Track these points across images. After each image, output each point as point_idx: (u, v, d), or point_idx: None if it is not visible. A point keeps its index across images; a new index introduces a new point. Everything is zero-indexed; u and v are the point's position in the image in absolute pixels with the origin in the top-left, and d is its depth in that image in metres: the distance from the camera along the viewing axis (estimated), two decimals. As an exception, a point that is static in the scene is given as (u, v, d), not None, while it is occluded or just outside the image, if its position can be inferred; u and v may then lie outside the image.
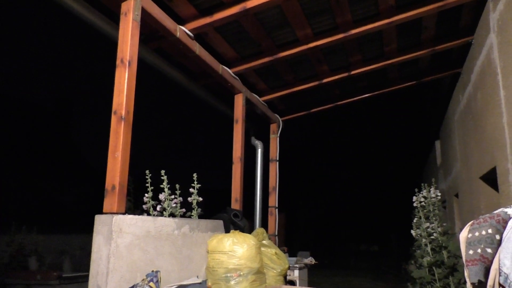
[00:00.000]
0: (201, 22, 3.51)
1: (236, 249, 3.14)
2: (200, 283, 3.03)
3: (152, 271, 2.65)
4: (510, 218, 1.59)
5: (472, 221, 1.72)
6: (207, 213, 3.57)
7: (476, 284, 1.58)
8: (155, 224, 2.77)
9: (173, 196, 3.19)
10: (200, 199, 3.50)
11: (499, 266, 1.54)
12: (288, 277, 4.50)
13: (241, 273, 3.10)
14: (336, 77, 5.07)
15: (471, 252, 1.62)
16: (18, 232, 6.82)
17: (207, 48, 3.95)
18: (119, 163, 2.55)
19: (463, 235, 1.71)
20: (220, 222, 3.69)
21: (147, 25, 3.10)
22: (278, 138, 6.08)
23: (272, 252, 3.74)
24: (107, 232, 2.43)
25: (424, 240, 4.49)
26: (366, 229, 29.00)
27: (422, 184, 4.71)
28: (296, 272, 4.80)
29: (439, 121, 7.58)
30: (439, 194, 4.65)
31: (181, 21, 3.51)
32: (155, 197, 3.12)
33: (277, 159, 6.01)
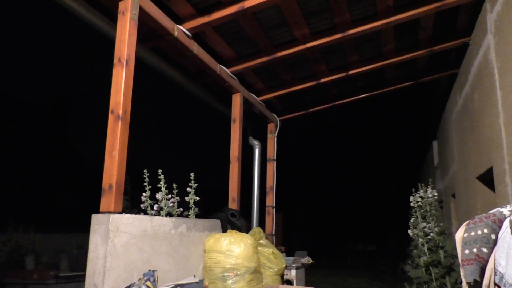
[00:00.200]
0: (199, 22, 3.51)
1: (233, 248, 3.14)
2: (197, 283, 3.03)
3: (149, 270, 2.65)
4: (505, 218, 1.59)
5: (468, 221, 1.73)
6: (204, 212, 3.57)
7: (472, 283, 1.59)
8: (152, 223, 2.77)
9: (170, 196, 3.19)
10: (197, 198, 3.50)
11: (494, 265, 1.54)
12: (285, 277, 4.50)
13: (238, 272, 3.10)
14: (334, 77, 5.08)
15: (466, 251, 1.63)
16: (15, 231, 6.81)
17: (205, 47, 3.94)
18: (116, 162, 2.55)
19: (459, 234, 1.71)
20: (217, 222, 3.69)
21: (145, 24, 3.09)
22: (275, 138, 6.08)
23: (269, 251, 3.74)
24: (104, 231, 2.43)
25: (421, 240, 4.50)
26: (364, 229, 29.06)
27: (419, 184, 4.72)
28: (293, 272, 4.80)
29: (436, 121, 7.60)
30: (436, 194, 4.67)
31: (179, 20, 3.51)
32: (152, 196, 3.12)
33: (275, 158, 6.01)
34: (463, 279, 1.64)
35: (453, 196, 6.10)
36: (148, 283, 2.57)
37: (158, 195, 3.14)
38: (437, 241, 4.40)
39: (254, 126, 6.06)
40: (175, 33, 3.33)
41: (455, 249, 4.25)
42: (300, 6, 3.66)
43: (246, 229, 3.98)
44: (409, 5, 3.81)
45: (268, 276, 3.61)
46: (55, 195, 17.46)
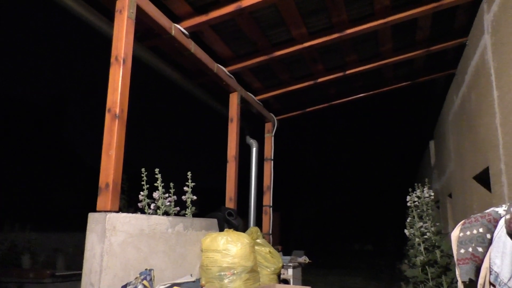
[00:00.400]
0: (197, 20, 3.50)
1: (230, 247, 3.15)
2: (193, 282, 3.03)
3: (146, 269, 2.65)
4: (501, 217, 1.60)
5: (463, 220, 1.74)
6: (201, 211, 3.57)
7: (467, 282, 1.59)
8: (148, 222, 2.77)
9: (167, 195, 3.19)
10: (194, 197, 3.50)
11: (489, 264, 1.55)
12: (282, 276, 4.51)
13: (235, 271, 3.10)
14: (332, 76, 5.08)
15: (462, 251, 1.64)
16: (11, 230, 6.78)
17: (202, 46, 3.94)
18: (113, 161, 2.54)
19: (455, 234, 1.72)
20: (214, 221, 3.69)
21: (142, 23, 3.09)
22: (273, 137, 6.08)
23: (266, 250, 3.75)
24: (100, 230, 2.42)
25: (417, 239, 4.52)
26: (361, 228, 29.14)
27: (416, 184, 4.74)
28: (290, 271, 4.81)
29: (433, 121, 7.62)
30: (432, 194, 4.68)
31: (176, 19, 3.50)
32: (150, 195, 3.12)
33: (272, 158, 6.01)
34: (458, 278, 1.64)
35: (450, 196, 6.12)
36: (144, 282, 2.56)
37: (155, 194, 3.14)
38: (433, 241, 4.41)
39: (252, 125, 6.07)
40: (173, 32, 3.33)
41: (451, 248, 4.27)
42: (297, 6, 3.67)
43: (243, 228, 3.98)
44: (407, 5, 3.82)
45: (265, 275, 3.62)
46: (51, 193, 17.41)
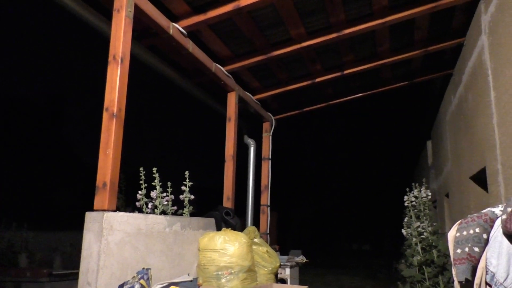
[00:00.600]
0: (195, 20, 3.50)
1: (228, 247, 3.14)
2: (191, 281, 3.04)
3: (143, 268, 2.65)
4: (497, 217, 1.61)
5: (460, 220, 1.74)
6: (199, 210, 3.57)
7: (464, 282, 1.60)
8: (146, 221, 2.77)
9: (164, 194, 3.19)
10: (192, 197, 3.50)
11: (485, 264, 1.56)
12: (279, 276, 4.51)
13: (232, 271, 3.10)
14: (329, 76, 5.09)
15: (459, 251, 1.64)
16: (8, 229, 6.77)
17: (200, 45, 3.94)
18: (110, 160, 2.54)
19: (451, 234, 1.73)
20: (212, 220, 3.70)
21: (140, 22, 3.08)
22: (270, 137, 6.09)
23: (263, 250, 3.75)
24: (97, 229, 2.42)
25: (414, 239, 4.53)
26: (358, 228, 29.19)
27: (413, 184, 4.75)
28: (287, 271, 4.82)
29: (430, 121, 7.64)
30: (429, 193, 4.69)
31: (174, 18, 3.50)
32: (148, 195, 3.12)
33: (270, 157, 6.02)
34: (455, 278, 1.65)
35: (447, 195, 6.14)
36: (142, 281, 2.56)
37: (153, 193, 3.14)
38: (430, 241, 4.42)
39: (249, 125, 6.07)
40: (171, 31, 3.33)
41: (448, 248, 4.29)
42: (295, 6, 3.67)
43: (241, 228, 3.99)
44: (405, 5, 3.83)
45: (262, 274, 3.62)
46: (49, 192, 17.37)
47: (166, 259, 2.94)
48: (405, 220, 4.70)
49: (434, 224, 4.61)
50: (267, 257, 3.73)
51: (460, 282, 1.60)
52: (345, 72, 5.01)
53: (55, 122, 20.69)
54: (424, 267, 4.39)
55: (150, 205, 3.12)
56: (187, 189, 3.48)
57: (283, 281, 4.72)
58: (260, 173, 5.94)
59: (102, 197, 2.51)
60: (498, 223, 1.58)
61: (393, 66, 5.20)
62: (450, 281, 4.27)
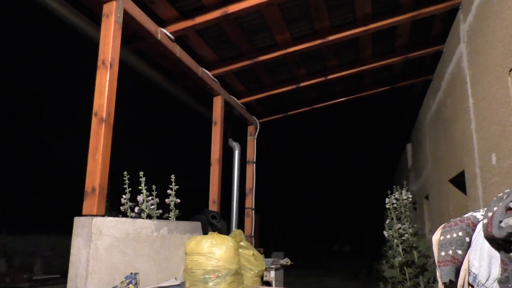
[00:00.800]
0: (182, 25, 3.52)
1: (215, 250, 3.17)
2: (178, 285, 3.05)
3: (131, 273, 2.66)
4: (479, 221, 1.70)
5: (444, 224, 1.83)
6: (184, 213, 3.57)
7: (447, 283, 1.68)
8: (134, 226, 2.77)
9: (150, 198, 3.19)
10: (178, 200, 3.51)
11: (468, 266, 1.64)
12: (264, 278, 4.56)
13: (219, 274, 3.13)
14: (313, 81, 5.18)
15: (442, 253, 1.72)
16: (-14, 233, 6.62)
17: (187, 50, 3.96)
18: (99, 165, 2.54)
19: (436, 237, 1.81)
20: (198, 224, 3.71)
21: (128, 26, 3.09)
22: (255, 140, 6.13)
23: (249, 253, 3.79)
24: (86, 235, 2.42)
25: (396, 240, 4.64)
26: (339, 229, 29.48)
27: (394, 186, 4.86)
28: (272, 273, 4.87)
29: (410, 124, 7.82)
30: (410, 196, 4.82)
31: (162, 23, 3.51)
32: (132, 199, 3.11)
33: (254, 161, 6.06)
34: (439, 280, 1.73)
35: (426, 198, 6.30)
36: (130, 286, 2.57)
37: (140, 198, 3.14)
38: (411, 242, 4.54)
39: (234, 128, 6.10)
40: (159, 36, 3.34)
41: (428, 249, 4.42)
42: (281, 12, 3.73)
43: (226, 231, 4.02)
44: (387, 13, 3.94)
45: (249, 277, 3.66)
46: (26, 195, 16.99)
47: (154, 263, 2.95)
48: (387, 222, 4.81)
49: (415, 225, 4.73)
50: (253, 260, 3.78)
51: (444, 284, 1.68)
52: (329, 77, 5.10)
53: (33, 123, 20.25)
54: (405, 267, 4.50)
55: (136, 209, 3.12)
56: (173, 192, 3.49)
57: (268, 283, 4.77)
58: (244, 176, 5.98)
59: (91, 202, 2.51)
60: (479, 227, 1.66)
61: (375, 71, 5.33)
62: (430, 282, 4.39)
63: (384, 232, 4.80)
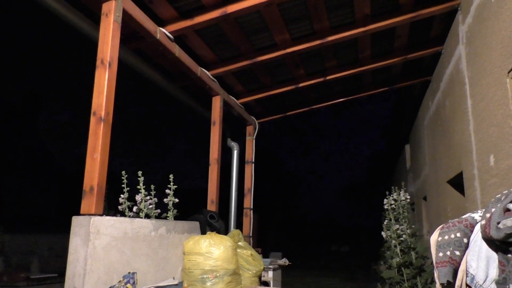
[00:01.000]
0: (182, 25, 3.52)
1: (213, 250, 3.17)
2: (176, 285, 3.04)
3: (129, 272, 2.65)
4: (476, 223, 1.70)
5: (442, 225, 1.83)
6: (182, 213, 3.57)
7: (445, 284, 1.68)
8: (132, 225, 2.77)
9: (148, 197, 3.19)
10: (176, 200, 3.51)
11: (466, 267, 1.65)
12: (262, 278, 4.56)
13: (217, 274, 3.13)
14: (312, 81, 5.18)
15: (440, 254, 1.72)
16: (-16, 232, 6.61)
17: (186, 50, 3.96)
18: (97, 164, 2.54)
19: (434, 238, 1.81)
20: (197, 224, 3.71)
21: (126, 26, 3.08)
22: (254, 140, 6.13)
23: (248, 253, 3.79)
24: (84, 234, 2.41)
25: (393, 241, 4.65)
26: (338, 230, 29.52)
27: (393, 187, 4.87)
28: (270, 273, 4.87)
29: (409, 125, 7.83)
30: (408, 197, 4.83)
31: (161, 22, 3.51)
32: (130, 198, 3.11)
33: (253, 161, 6.06)
34: (437, 280, 1.73)
35: (425, 198, 6.31)
36: (128, 285, 2.57)
37: (138, 197, 3.14)
38: (409, 243, 4.55)
39: (233, 128, 6.10)
40: (158, 36, 3.34)
41: (426, 250, 4.43)
42: (281, 12, 3.73)
43: (224, 231, 4.02)
44: (386, 14, 3.95)
45: (247, 277, 3.66)
46: (24, 194, 16.96)
47: (152, 263, 2.94)
48: (385, 223, 4.82)
49: (413, 226, 4.74)
50: (251, 260, 3.78)
51: (442, 284, 1.69)
52: (328, 77, 5.10)
53: (31, 122, 20.21)
54: (403, 268, 4.51)
55: (135, 208, 3.12)
56: (172, 192, 3.49)
57: (266, 283, 4.77)
58: (243, 176, 5.98)
59: (89, 202, 2.50)
60: (477, 228, 1.67)
61: (374, 72, 5.33)
62: (427, 282, 4.40)
63: (382, 233, 4.81)
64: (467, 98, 3.56)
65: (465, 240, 1.67)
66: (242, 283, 3.49)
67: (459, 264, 1.65)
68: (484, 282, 1.56)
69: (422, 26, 4.30)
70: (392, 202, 4.80)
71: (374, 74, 5.49)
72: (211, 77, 4.47)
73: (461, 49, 3.74)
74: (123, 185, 3.09)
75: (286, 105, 6.19)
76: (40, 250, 8.18)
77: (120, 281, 2.58)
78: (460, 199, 4.31)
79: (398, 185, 5.01)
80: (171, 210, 3.45)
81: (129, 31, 3.38)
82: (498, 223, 1.51)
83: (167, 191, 3.48)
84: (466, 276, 1.63)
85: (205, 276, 3.11)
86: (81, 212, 2.50)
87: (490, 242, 1.59)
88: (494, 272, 1.56)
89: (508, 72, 2.54)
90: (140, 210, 3.13)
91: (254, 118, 6.12)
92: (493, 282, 1.55)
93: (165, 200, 3.45)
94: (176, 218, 3.47)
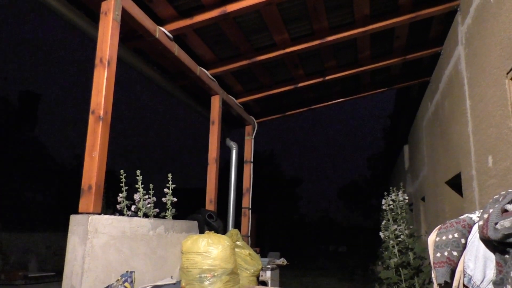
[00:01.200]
0: (181, 24, 3.51)
1: (211, 250, 3.17)
2: (174, 284, 3.04)
3: (127, 271, 2.65)
4: (474, 223, 1.70)
5: (439, 226, 1.83)
6: (180, 212, 3.57)
7: (443, 285, 1.68)
8: (130, 224, 2.77)
9: (147, 196, 3.19)
10: (175, 199, 3.51)
11: (463, 268, 1.65)
12: (260, 278, 4.56)
13: (215, 273, 3.13)
14: (311, 81, 5.18)
15: (438, 254, 1.73)
16: (-18, 231, 6.60)
17: (185, 49, 3.95)
18: (96, 163, 2.54)
19: (431, 238, 1.81)
20: (195, 223, 3.71)
21: (126, 24, 3.08)
22: (252, 140, 6.13)
23: (246, 253, 3.79)
24: (82, 232, 2.41)
25: (391, 242, 4.64)
26: (335, 230, 29.55)
27: (391, 188, 4.87)
28: (268, 273, 4.87)
29: (407, 126, 7.84)
30: (406, 197, 4.83)
31: (160, 21, 3.50)
32: (128, 197, 3.11)
33: (251, 160, 6.06)
34: (434, 281, 1.73)
35: (423, 199, 6.31)
36: (126, 284, 2.56)
37: (136, 196, 3.14)
38: (407, 243, 4.55)
39: (232, 128, 6.10)
40: (157, 35, 3.33)
41: (423, 251, 4.43)
42: (280, 12, 3.73)
43: (223, 230, 4.02)
44: (385, 14, 3.95)
45: (245, 277, 3.66)
46: (21, 193, 16.93)
47: (150, 262, 2.94)
48: (383, 223, 4.81)
49: (411, 227, 4.74)
50: (249, 259, 3.78)
51: (439, 285, 1.69)
52: (327, 77, 5.10)
53: (30, 120, 20.17)
54: (400, 269, 4.51)
55: (133, 207, 3.11)
56: (170, 191, 3.49)
57: (264, 283, 4.77)
58: (242, 175, 5.97)
59: (87, 200, 2.50)
60: (475, 228, 1.67)
61: (373, 72, 5.34)
62: (425, 283, 4.40)
63: (380, 233, 4.81)
64: (466, 99, 3.56)
65: (463, 241, 1.67)
66: (240, 282, 3.49)
67: (457, 264, 1.65)
68: (481, 282, 1.56)
69: (421, 26, 4.30)
70: (391, 202, 4.80)
71: (373, 75, 5.49)
72: (210, 76, 4.47)
73: (460, 50, 3.75)
74: (121, 184, 3.09)
75: (285, 105, 6.19)
76: (38, 249, 8.16)
77: (118, 280, 2.58)
78: (458, 199, 4.32)
79: (396, 186, 5.01)
80: (169, 209, 3.46)
81: (128, 30, 3.38)
82: (496, 223, 1.51)
83: (166, 190, 3.48)
84: (464, 277, 1.63)
85: (203, 275, 3.11)
86: (79, 210, 2.50)
87: (488, 242, 1.60)
88: (491, 273, 1.56)
89: (507, 73, 2.55)
90: (138, 209, 3.13)
91: (253, 118, 6.12)
92: (491, 283, 1.55)
93: (163, 199, 3.45)
94: (175, 217, 3.47)
